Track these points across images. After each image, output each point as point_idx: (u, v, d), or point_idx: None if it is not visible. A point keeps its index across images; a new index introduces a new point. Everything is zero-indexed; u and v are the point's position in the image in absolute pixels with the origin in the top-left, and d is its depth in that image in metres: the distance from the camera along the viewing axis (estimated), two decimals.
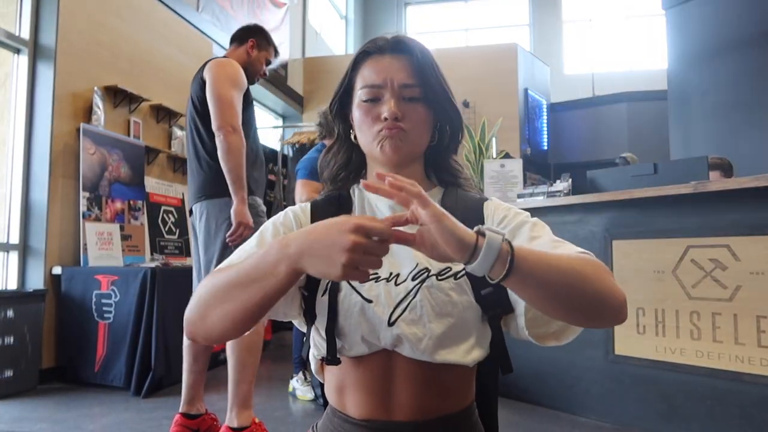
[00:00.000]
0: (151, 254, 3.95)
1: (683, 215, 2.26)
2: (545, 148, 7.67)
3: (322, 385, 0.92)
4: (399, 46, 0.89)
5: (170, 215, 4.29)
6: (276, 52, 2.51)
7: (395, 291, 0.81)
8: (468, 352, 0.80)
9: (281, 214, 0.93)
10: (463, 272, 0.81)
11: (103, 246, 3.47)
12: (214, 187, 2.17)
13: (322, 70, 7.27)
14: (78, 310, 3.18)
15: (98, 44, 3.66)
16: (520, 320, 0.78)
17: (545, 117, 7.67)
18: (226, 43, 5.22)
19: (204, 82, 2.17)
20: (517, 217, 0.84)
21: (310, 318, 0.86)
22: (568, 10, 9.86)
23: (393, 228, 0.66)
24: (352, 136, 0.93)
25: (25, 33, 3.31)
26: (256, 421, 2.08)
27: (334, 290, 0.82)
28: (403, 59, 0.88)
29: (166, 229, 4.22)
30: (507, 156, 4.04)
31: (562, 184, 2.85)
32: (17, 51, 3.31)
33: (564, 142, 7.80)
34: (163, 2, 4.33)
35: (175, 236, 4.31)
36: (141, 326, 3.03)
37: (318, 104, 7.18)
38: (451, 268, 0.82)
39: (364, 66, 0.90)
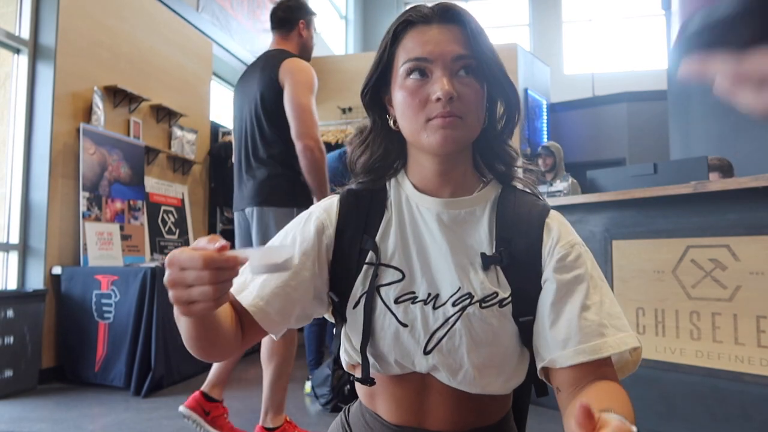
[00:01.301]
0: (151, 254, 3.95)
1: (683, 215, 2.25)
2: None
3: (332, 390, 0.88)
4: (448, 15, 0.75)
5: (170, 215, 4.29)
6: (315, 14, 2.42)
7: (433, 316, 0.74)
8: (507, 382, 0.76)
9: (302, 217, 0.82)
10: (509, 299, 0.74)
11: (103, 246, 3.47)
12: (280, 196, 2.12)
13: (322, 70, 7.24)
14: (78, 310, 3.18)
15: (98, 44, 3.66)
16: (538, 363, 0.75)
17: (545, 117, 7.67)
18: (227, 43, 5.26)
19: (275, 82, 2.12)
20: (579, 264, 0.74)
21: (340, 319, 0.80)
22: (568, 10, 9.86)
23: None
24: (390, 122, 0.80)
25: (25, 33, 3.31)
26: (288, 419, 2.15)
27: (368, 307, 0.75)
28: (454, 29, 0.75)
29: (166, 229, 4.22)
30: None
31: (562, 184, 2.85)
32: (17, 51, 3.31)
33: (564, 142, 7.78)
34: (163, 2, 4.33)
35: (175, 236, 4.31)
36: (141, 326, 3.03)
37: (318, 104, 7.16)
38: (497, 294, 0.74)
39: (407, 37, 0.75)
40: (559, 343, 0.70)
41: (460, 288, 0.74)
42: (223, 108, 5.59)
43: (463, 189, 0.80)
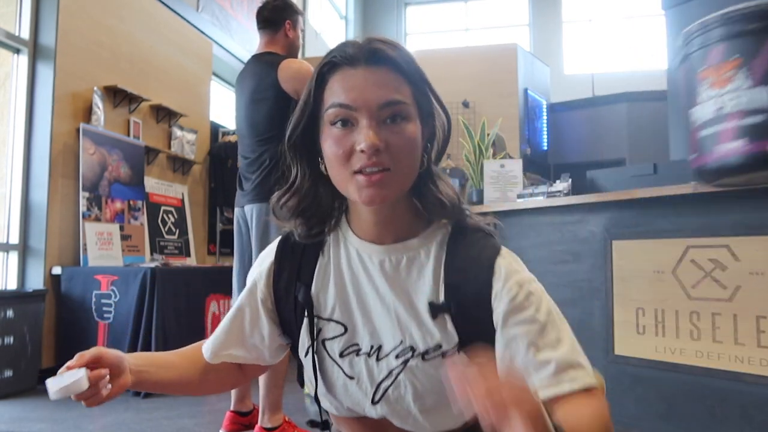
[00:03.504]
0: (151, 254, 3.95)
1: (683, 215, 2.25)
2: (545, 148, 7.66)
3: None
4: (376, 56, 0.69)
5: (170, 215, 4.29)
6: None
7: (377, 368, 0.75)
8: (458, 417, 0.74)
9: (253, 272, 0.85)
10: (455, 349, 0.72)
11: (102, 246, 3.47)
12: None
13: None
14: (78, 310, 3.18)
15: (98, 44, 3.66)
16: None
17: (545, 117, 7.66)
18: (226, 43, 5.26)
19: (274, 86, 2.15)
20: (529, 303, 0.69)
21: (296, 356, 0.84)
22: (568, 10, 9.86)
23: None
24: (322, 167, 0.75)
25: (25, 33, 3.31)
26: (287, 419, 2.16)
27: (317, 359, 0.78)
28: (382, 72, 0.69)
29: (166, 229, 4.22)
30: (507, 156, 4.04)
31: (561, 184, 2.85)
32: (17, 51, 3.31)
33: (564, 143, 7.80)
34: (163, 2, 4.33)
35: (175, 236, 4.31)
36: (141, 326, 3.03)
37: None
38: (441, 345, 0.72)
39: (332, 80, 0.71)
40: None
41: (402, 341, 0.73)
42: (223, 108, 5.59)
43: (408, 233, 0.76)
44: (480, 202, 3.18)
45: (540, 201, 2.75)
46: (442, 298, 0.72)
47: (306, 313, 0.77)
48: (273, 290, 0.81)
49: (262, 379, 2.09)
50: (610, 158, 7.30)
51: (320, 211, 0.78)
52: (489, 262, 0.72)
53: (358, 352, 0.76)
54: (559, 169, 6.89)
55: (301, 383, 0.86)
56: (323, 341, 0.78)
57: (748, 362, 2.05)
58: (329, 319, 0.77)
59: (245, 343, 0.83)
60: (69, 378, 0.70)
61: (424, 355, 0.72)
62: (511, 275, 0.71)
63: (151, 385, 0.79)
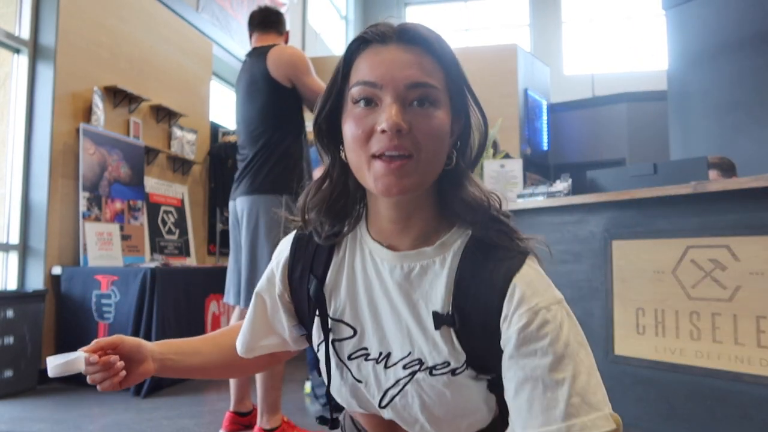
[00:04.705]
0: (151, 254, 3.95)
1: (683, 215, 2.25)
2: (545, 148, 7.67)
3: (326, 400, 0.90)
4: (408, 34, 0.66)
5: (170, 215, 4.29)
6: None
7: (385, 376, 0.72)
8: (470, 427, 0.72)
9: (272, 264, 0.84)
10: (464, 368, 0.68)
11: (102, 246, 3.47)
12: (268, 184, 2.17)
13: (322, 71, 7.17)
14: (78, 310, 3.18)
15: (98, 44, 3.66)
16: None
17: (545, 117, 7.67)
18: (226, 43, 5.26)
19: (266, 76, 2.15)
20: (543, 334, 0.61)
21: (311, 342, 0.84)
22: (568, 10, 9.86)
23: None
24: (342, 154, 0.70)
25: (25, 33, 3.31)
26: (285, 419, 2.17)
27: (327, 358, 0.76)
28: (414, 51, 0.66)
29: (166, 229, 4.22)
30: (507, 156, 4.04)
31: (562, 185, 2.85)
32: (17, 51, 3.31)
33: (564, 143, 7.80)
34: (163, 2, 4.33)
35: (175, 236, 4.31)
36: (141, 326, 3.03)
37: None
38: (449, 363, 0.68)
39: (361, 58, 0.67)
40: (521, 420, 0.60)
41: (410, 353, 0.70)
42: (223, 108, 5.59)
43: (426, 237, 0.71)
44: None
45: (540, 201, 2.75)
46: (449, 309, 0.67)
47: (318, 311, 0.76)
48: (288, 282, 0.80)
49: (259, 381, 2.09)
50: (610, 158, 7.31)
51: (348, 204, 0.74)
52: (503, 281, 0.65)
53: (366, 357, 0.74)
54: (559, 169, 6.90)
55: (319, 372, 0.85)
56: (333, 341, 0.76)
57: (748, 362, 2.05)
58: (339, 320, 0.75)
59: (273, 330, 0.84)
60: (67, 357, 0.74)
61: (431, 370, 0.69)
62: (526, 299, 0.63)
63: (176, 372, 0.82)
